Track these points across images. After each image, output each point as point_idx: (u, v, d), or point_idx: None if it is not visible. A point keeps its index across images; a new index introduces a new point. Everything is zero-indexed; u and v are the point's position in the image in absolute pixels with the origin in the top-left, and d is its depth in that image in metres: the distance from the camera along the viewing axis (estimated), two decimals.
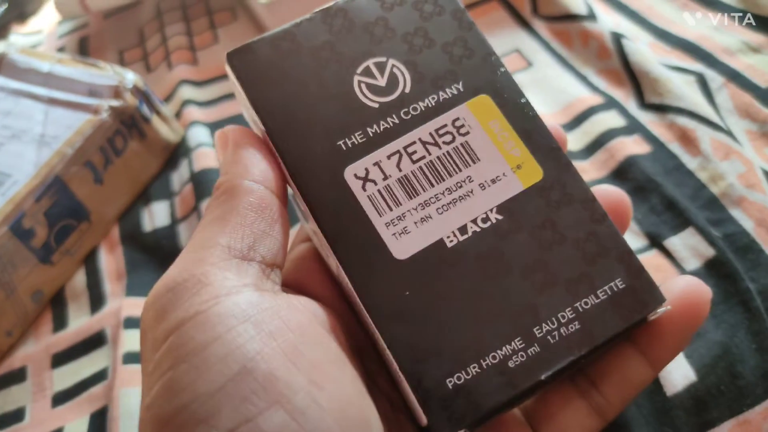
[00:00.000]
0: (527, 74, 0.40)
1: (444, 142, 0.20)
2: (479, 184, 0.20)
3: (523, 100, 0.21)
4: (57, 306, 0.35)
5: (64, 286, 0.36)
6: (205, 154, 0.39)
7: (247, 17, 0.50)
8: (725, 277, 0.27)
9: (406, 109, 0.21)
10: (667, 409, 0.25)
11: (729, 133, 0.32)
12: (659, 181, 0.31)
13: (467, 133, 0.20)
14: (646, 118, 0.34)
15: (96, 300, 0.35)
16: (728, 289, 0.27)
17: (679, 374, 0.26)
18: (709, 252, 0.28)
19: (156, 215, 0.38)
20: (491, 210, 0.20)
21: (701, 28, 0.39)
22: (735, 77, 0.35)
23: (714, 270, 0.28)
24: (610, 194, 0.21)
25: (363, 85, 0.21)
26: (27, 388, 0.32)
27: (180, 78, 0.45)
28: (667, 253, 0.29)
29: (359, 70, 0.21)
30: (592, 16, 0.40)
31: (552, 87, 0.38)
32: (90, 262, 0.37)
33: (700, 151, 0.32)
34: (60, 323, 0.35)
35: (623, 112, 0.35)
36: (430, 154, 0.20)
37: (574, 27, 0.41)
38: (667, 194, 0.30)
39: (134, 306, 0.34)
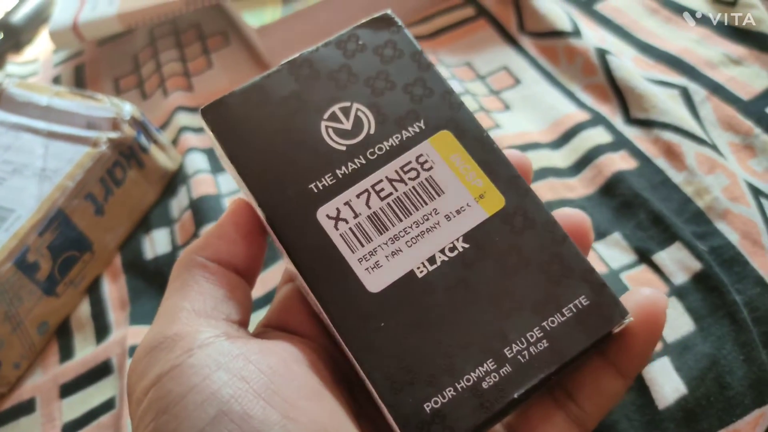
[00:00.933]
0: (516, 91, 0.41)
1: (409, 178, 0.21)
2: (445, 216, 0.21)
3: (483, 134, 0.22)
4: (63, 336, 0.36)
5: (69, 316, 0.37)
6: (203, 181, 0.40)
7: (240, 41, 0.51)
8: (712, 290, 0.28)
9: (372, 150, 0.22)
10: (658, 422, 0.26)
11: (713, 147, 0.33)
12: (646, 197, 0.32)
13: (431, 168, 0.21)
14: (632, 134, 0.35)
15: (101, 329, 0.36)
16: (715, 302, 0.28)
17: (669, 387, 0.26)
18: (696, 266, 0.29)
19: (157, 243, 0.39)
20: (458, 239, 0.21)
21: (683, 41, 0.40)
22: (717, 90, 0.36)
23: (701, 283, 0.28)
24: (570, 217, 0.22)
25: (330, 130, 0.22)
26: (36, 420, 0.33)
27: (176, 105, 0.46)
28: (656, 268, 0.30)
29: (326, 116, 0.22)
30: (576, 33, 0.41)
31: (540, 104, 0.39)
32: (94, 291, 0.38)
33: (685, 166, 0.33)
34: (66, 353, 0.35)
35: (610, 127, 0.36)
36: (397, 190, 0.21)
37: (560, 43, 0.42)
38: (653, 209, 0.31)
39: (139, 334, 0.34)
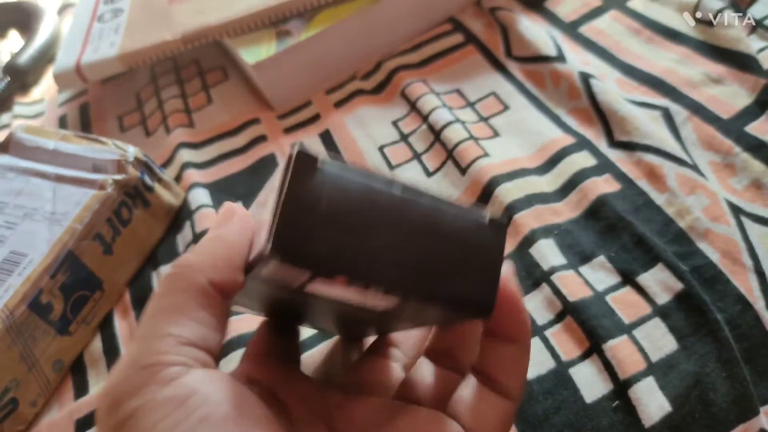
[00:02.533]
0: (504, 117, 0.42)
1: None
2: None
3: None
4: (77, 373, 0.38)
5: (82, 353, 0.38)
6: (206, 215, 0.41)
7: (238, 76, 0.53)
8: (694, 310, 0.29)
9: None
10: None
11: (694, 167, 0.34)
12: (629, 219, 0.33)
13: None
14: (615, 156, 0.37)
15: (113, 364, 0.38)
16: (698, 321, 0.29)
17: (655, 406, 0.27)
18: (678, 286, 0.30)
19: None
20: None
21: (665, 61, 0.41)
22: (698, 110, 0.37)
23: (683, 303, 0.30)
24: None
25: None
26: None
27: (178, 141, 0.48)
28: (640, 289, 0.31)
29: None
30: (561, 57, 0.43)
31: (527, 129, 0.40)
32: (105, 328, 0.39)
33: (667, 187, 0.34)
34: (81, 389, 0.37)
35: (594, 151, 0.37)
36: None
37: (546, 68, 0.43)
38: (637, 232, 0.32)
39: None
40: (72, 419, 0.36)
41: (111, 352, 0.38)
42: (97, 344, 0.39)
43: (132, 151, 0.40)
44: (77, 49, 0.53)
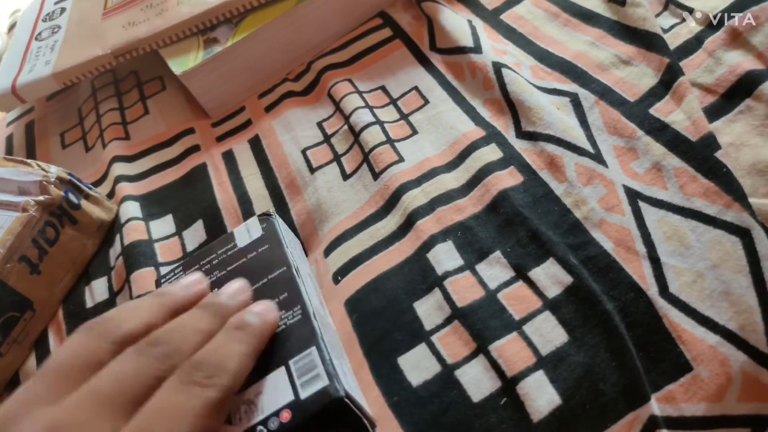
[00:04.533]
0: (423, 113, 0.42)
1: None
2: None
3: None
4: (12, 391, 0.39)
5: (18, 371, 0.39)
6: (134, 228, 0.42)
7: (175, 85, 0.53)
8: (583, 301, 0.29)
9: None
10: None
11: (595, 156, 0.34)
12: (526, 214, 0.33)
13: None
14: (521, 147, 0.36)
15: None
16: (587, 313, 0.29)
17: (544, 400, 0.28)
18: (568, 279, 0.30)
19: (96, 291, 0.41)
20: None
21: (580, 44, 0.41)
22: (606, 94, 0.37)
23: (573, 296, 0.30)
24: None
25: None
26: None
27: (112, 155, 0.48)
28: (531, 283, 0.31)
29: None
30: (478, 48, 0.42)
31: (443, 124, 0.40)
32: (40, 345, 0.40)
33: (566, 178, 0.34)
34: None
35: (502, 143, 0.37)
36: None
37: (464, 59, 0.43)
38: (532, 227, 0.32)
39: None
40: None
41: None
42: (31, 362, 0.40)
43: (54, 171, 0.41)
44: (15, 69, 0.53)
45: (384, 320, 0.32)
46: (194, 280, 0.30)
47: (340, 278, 0.35)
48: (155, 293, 0.29)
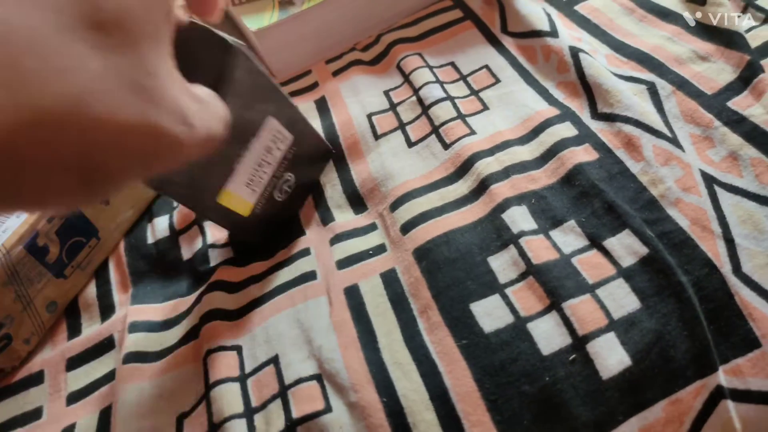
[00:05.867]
0: (494, 90, 0.43)
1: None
2: None
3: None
4: (71, 315, 0.39)
5: (77, 296, 0.40)
6: None
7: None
8: (658, 272, 0.30)
9: None
10: (602, 391, 0.28)
11: (672, 140, 0.35)
12: (602, 187, 0.34)
13: None
14: (597, 127, 0.37)
15: (105, 309, 0.39)
16: (661, 283, 0.30)
17: (614, 360, 0.28)
18: (643, 250, 0.31)
19: (157, 228, 0.42)
20: None
21: (656, 38, 0.42)
22: (683, 85, 0.38)
23: (648, 266, 0.30)
24: None
25: None
26: (44, 390, 0.36)
27: None
28: (606, 252, 0.32)
29: None
30: (554, 33, 0.43)
31: (515, 102, 0.41)
32: (100, 274, 0.41)
33: (643, 157, 0.34)
34: (74, 331, 0.39)
35: (577, 122, 0.38)
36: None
37: (538, 42, 0.44)
38: (608, 199, 0.33)
39: (138, 312, 0.37)
40: (64, 357, 0.37)
41: (104, 298, 0.40)
42: (91, 289, 0.40)
43: None
44: None
45: (457, 270, 0.32)
46: None
47: (409, 229, 0.35)
48: None
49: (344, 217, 0.39)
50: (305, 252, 0.37)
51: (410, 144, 0.41)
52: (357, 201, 0.40)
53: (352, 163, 0.42)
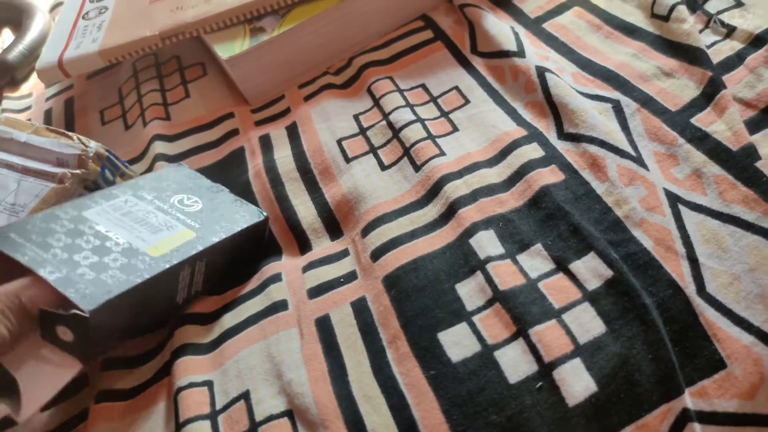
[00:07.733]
0: (464, 111, 0.43)
1: None
2: None
3: None
4: None
5: None
6: None
7: (216, 71, 0.54)
8: (623, 295, 0.30)
9: None
10: (568, 418, 0.28)
11: (636, 159, 0.35)
12: (568, 209, 0.34)
13: None
14: (563, 147, 0.37)
15: None
16: (626, 306, 0.30)
17: (580, 386, 0.28)
18: (608, 273, 0.31)
19: None
20: None
21: (621, 55, 0.42)
22: (648, 102, 0.38)
23: (613, 289, 0.30)
24: None
25: None
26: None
27: (153, 133, 0.49)
28: (572, 276, 0.32)
29: None
30: (522, 52, 0.43)
31: (484, 123, 0.41)
32: None
33: (608, 178, 0.35)
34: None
35: (544, 142, 0.38)
36: None
37: (506, 63, 0.44)
38: (573, 221, 0.33)
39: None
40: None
41: None
42: None
43: (94, 146, 0.42)
44: (61, 45, 0.54)
45: (424, 297, 0.32)
46: None
47: (379, 256, 0.35)
48: None
49: (320, 245, 0.39)
50: (276, 278, 0.37)
51: (383, 167, 0.41)
52: (333, 226, 0.40)
53: (325, 187, 0.42)
